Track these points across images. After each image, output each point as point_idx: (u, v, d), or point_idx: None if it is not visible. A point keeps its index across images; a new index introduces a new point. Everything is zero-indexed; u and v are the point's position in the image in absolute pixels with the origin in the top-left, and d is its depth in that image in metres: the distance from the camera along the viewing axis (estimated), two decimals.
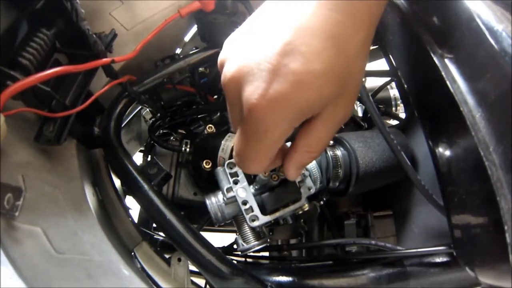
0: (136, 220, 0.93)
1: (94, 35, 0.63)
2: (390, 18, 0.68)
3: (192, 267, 0.75)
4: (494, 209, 0.46)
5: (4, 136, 0.51)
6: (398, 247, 0.70)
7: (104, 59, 0.64)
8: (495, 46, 0.47)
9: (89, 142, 0.73)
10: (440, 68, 0.52)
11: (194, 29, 0.89)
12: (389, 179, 0.82)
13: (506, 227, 0.44)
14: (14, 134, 0.55)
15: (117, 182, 0.82)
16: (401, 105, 1.18)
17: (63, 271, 0.47)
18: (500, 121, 0.46)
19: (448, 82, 0.51)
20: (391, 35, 0.69)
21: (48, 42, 0.57)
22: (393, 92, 1.22)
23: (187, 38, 0.91)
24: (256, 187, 0.68)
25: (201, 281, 0.84)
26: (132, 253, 0.69)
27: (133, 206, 0.88)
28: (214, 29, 0.79)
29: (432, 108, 0.58)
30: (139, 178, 0.68)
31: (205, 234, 0.72)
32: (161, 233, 0.90)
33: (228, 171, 0.69)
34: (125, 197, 0.88)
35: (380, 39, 0.75)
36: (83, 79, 0.64)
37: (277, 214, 0.67)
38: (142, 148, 1.09)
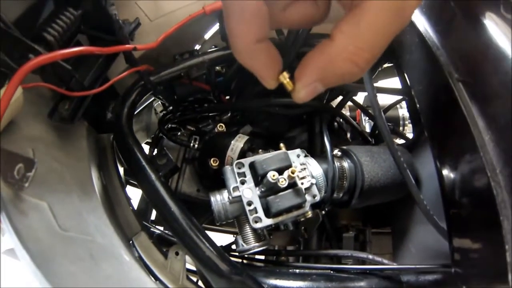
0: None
1: (120, 21, 0.64)
2: (408, 37, 0.70)
3: (188, 266, 0.74)
4: (496, 232, 0.47)
5: (21, 108, 0.52)
6: (394, 264, 0.70)
7: (127, 45, 0.64)
8: (509, 73, 0.49)
9: (100, 126, 0.73)
10: (455, 91, 0.53)
11: (214, 28, 0.90)
12: (392, 195, 0.82)
13: (507, 247, 0.44)
14: (29, 108, 0.55)
15: (121, 171, 0.81)
16: (409, 125, 1.20)
17: (66, 248, 0.46)
18: (508, 144, 0.47)
19: (462, 105, 0.52)
20: (408, 54, 0.71)
21: (74, 22, 0.58)
22: (402, 111, 1.23)
23: (207, 36, 0.92)
24: (263, 189, 0.68)
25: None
26: (131, 242, 0.68)
27: (134, 197, 0.88)
28: None
29: (442, 129, 0.59)
30: (147, 167, 0.68)
31: None
32: (159, 227, 0.89)
33: (236, 170, 0.69)
34: (126, 187, 0.88)
35: (396, 57, 0.76)
36: (104, 63, 0.65)
37: (280, 218, 0.67)
38: (149, 140, 1.09)
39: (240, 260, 0.84)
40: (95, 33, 0.63)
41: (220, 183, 0.71)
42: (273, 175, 0.65)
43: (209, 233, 1.13)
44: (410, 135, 1.15)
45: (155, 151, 0.94)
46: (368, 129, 1.22)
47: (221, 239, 1.04)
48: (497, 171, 0.47)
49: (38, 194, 0.49)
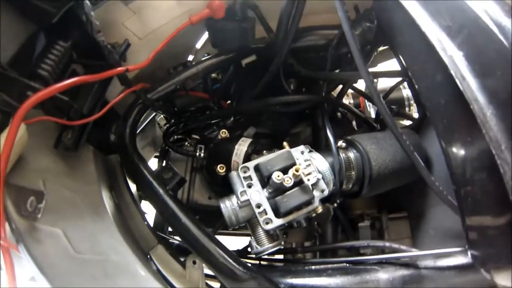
0: (152, 224, 0.95)
1: (109, 46, 0.66)
2: (398, 18, 0.68)
3: (208, 271, 0.76)
4: (508, 208, 0.45)
5: (26, 143, 0.54)
6: (413, 249, 0.69)
7: (119, 68, 0.66)
8: (505, 43, 0.47)
9: (106, 148, 0.75)
10: (449, 66, 0.51)
11: (205, 36, 0.91)
12: (403, 180, 0.81)
13: None
14: (35, 142, 0.58)
15: (133, 187, 0.84)
16: (414, 105, 1.17)
17: (82, 270, 0.49)
18: None
19: (457, 80, 0.50)
20: (399, 35, 0.69)
21: (65, 54, 0.60)
22: (406, 92, 1.20)
23: (199, 45, 0.93)
24: (270, 190, 0.69)
25: (216, 284, 0.85)
26: (148, 256, 0.71)
27: (149, 211, 0.90)
28: (224, 36, 0.81)
29: (443, 108, 0.57)
30: (154, 183, 0.70)
31: (220, 238, 0.73)
32: (177, 237, 0.91)
33: (242, 175, 0.70)
34: (140, 202, 0.91)
35: (389, 39, 0.75)
36: (99, 88, 0.67)
37: (290, 217, 0.67)
38: (157, 154, 1.11)
39: (257, 262, 0.85)
40: (87, 61, 0.65)
41: (230, 189, 0.72)
42: (278, 176, 0.66)
43: (226, 238, 1.16)
44: (416, 115, 1.12)
45: (164, 164, 0.96)
46: (373, 115, 1.20)
47: (239, 242, 1.06)
48: (503, 148, 0.45)
49: (52, 222, 0.52)
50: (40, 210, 0.50)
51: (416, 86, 0.66)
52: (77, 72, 0.65)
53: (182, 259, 0.77)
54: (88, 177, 0.67)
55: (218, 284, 0.85)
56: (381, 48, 0.91)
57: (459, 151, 0.54)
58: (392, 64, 1.08)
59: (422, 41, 0.58)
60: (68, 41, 0.60)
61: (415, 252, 0.66)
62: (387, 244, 0.72)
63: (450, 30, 0.53)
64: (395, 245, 0.71)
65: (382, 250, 0.82)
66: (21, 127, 0.50)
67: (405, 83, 1.10)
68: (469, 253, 0.55)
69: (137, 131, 0.90)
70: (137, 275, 0.56)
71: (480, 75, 0.49)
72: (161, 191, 0.70)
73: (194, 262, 0.73)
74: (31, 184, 0.52)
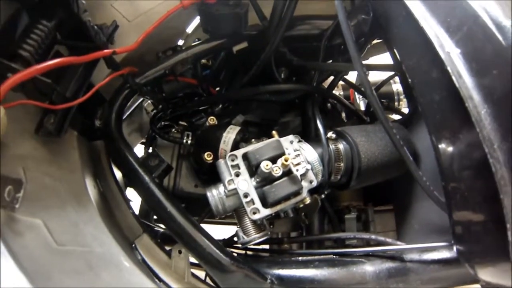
0: (137, 211, 0.93)
1: (96, 27, 0.63)
2: (395, 11, 0.67)
3: (193, 259, 0.75)
4: (497, 207, 0.46)
5: (5, 128, 0.51)
6: (398, 242, 0.70)
7: (105, 51, 0.63)
8: (503, 42, 0.46)
9: (90, 134, 0.72)
10: (446, 63, 0.51)
11: (196, 20, 0.88)
12: (391, 173, 0.81)
13: (508, 226, 0.43)
14: (15, 126, 0.55)
15: (119, 174, 0.82)
16: (404, 99, 1.17)
17: (64, 263, 0.47)
18: (506, 118, 0.45)
19: (453, 77, 0.50)
20: (395, 28, 0.68)
21: (48, 34, 0.56)
22: (396, 86, 1.21)
23: (189, 29, 0.90)
24: (258, 179, 0.67)
25: (201, 273, 0.85)
26: (133, 245, 0.69)
27: (134, 198, 0.88)
28: (217, 21, 0.78)
29: (437, 104, 0.57)
30: (140, 170, 0.68)
31: (205, 226, 0.72)
32: (162, 225, 0.90)
33: (229, 163, 0.68)
34: (126, 189, 0.89)
35: (384, 32, 0.74)
36: (84, 71, 0.64)
37: (278, 207, 0.66)
38: (144, 140, 1.09)
39: (243, 252, 0.85)
40: (73, 42, 0.62)
41: (217, 177, 0.71)
42: (266, 165, 0.65)
43: (211, 227, 1.15)
44: (406, 110, 1.13)
45: (150, 150, 0.94)
46: (363, 107, 1.20)
47: (225, 231, 1.06)
48: (495, 147, 0.45)
49: (32, 212, 0.50)
50: (18, 200, 0.47)
51: (410, 81, 0.65)
52: (61, 53, 0.62)
53: (167, 248, 0.76)
54: (71, 164, 0.64)
55: (204, 273, 0.85)
56: (374, 41, 0.90)
57: (450, 147, 0.55)
58: (382, 59, 1.08)
59: (419, 36, 0.58)
60: (52, 21, 0.56)
61: (402, 246, 0.67)
62: (373, 236, 0.73)
63: (449, 27, 0.53)
64: (381, 238, 0.72)
65: (368, 242, 0.83)
66: (0, 111, 0.47)
67: (396, 78, 1.10)
68: (454, 248, 0.56)
69: (124, 117, 0.87)
70: (122, 266, 0.55)
71: (477, 74, 0.48)
72: (146, 178, 0.69)
73: (180, 252, 0.73)
74: (10, 172, 0.49)
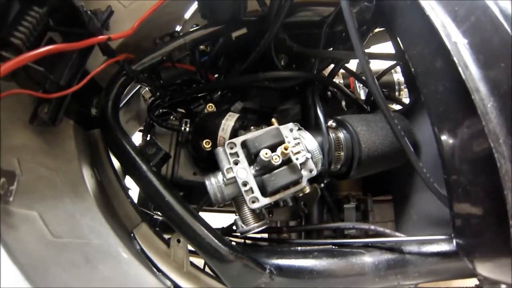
0: (136, 200, 0.93)
1: (90, 12, 0.60)
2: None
3: (192, 248, 0.75)
4: (499, 201, 0.45)
5: None
6: (397, 233, 0.70)
7: (100, 37, 0.61)
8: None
9: (87, 123, 0.71)
10: (452, 53, 0.49)
11: (194, 6, 0.85)
12: (391, 164, 0.81)
13: (511, 222, 0.43)
14: (8, 117, 0.54)
15: (116, 163, 0.81)
16: (405, 90, 1.16)
17: (60, 256, 0.46)
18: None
19: (460, 68, 0.48)
20: (400, 18, 0.66)
21: (40, 21, 0.54)
22: (397, 76, 1.19)
23: (187, 15, 0.88)
24: (257, 168, 0.66)
25: (200, 262, 0.85)
26: (132, 235, 0.69)
27: (133, 186, 0.88)
28: (215, 6, 0.75)
29: (441, 95, 0.56)
30: (137, 159, 0.67)
31: (204, 215, 0.72)
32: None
33: (228, 151, 0.67)
34: (124, 178, 0.88)
35: (388, 21, 0.72)
36: (78, 58, 0.62)
37: (277, 196, 0.66)
38: (142, 128, 1.07)
39: (242, 241, 0.85)
40: (65, 29, 0.60)
41: (216, 165, 0.69)
42: (266, 153, 0.64)
43: (210, 215, 1.15)
44: (406, 100, 1.11)
45: (148, 138, 0.93)
46: (363, 96, 1.18)
47: (223, 220, 1.06)
48: (501, 141, 0.44)
49: (27, 204, 0.49)
50: (12, 193, 0.46)
51: (413, 70, 0.64)
52: (54, 40, 0.59)
53: (166, 237, 0.76)
54: (67, 154, 0.63)
55: (203, 261, 0.85)
56: (376, 30, 0.88)
57: (452, 139, 0.54)
58: (383, 48, 1.06)
59: (425, 24, 0.56)
60: (44, 7, 0.54)
61: (402, 238, 0.67)
62: (372, 227, 0.73)
63: (456, 16, 0.51)
64: (380, 229, 0.71)
65: (366, 233, 0.83)
66: None
67: (397, 68, 1.08)
68: (454, 241, 0.56)
69: (121, 105, 0.85)
70: (120, 258, 0.54)
71: (484, 65, 0.47)
72: (144, 167, 0.68)
73: (179, 241, 0.72)
74: (4, 164, 0.48)
